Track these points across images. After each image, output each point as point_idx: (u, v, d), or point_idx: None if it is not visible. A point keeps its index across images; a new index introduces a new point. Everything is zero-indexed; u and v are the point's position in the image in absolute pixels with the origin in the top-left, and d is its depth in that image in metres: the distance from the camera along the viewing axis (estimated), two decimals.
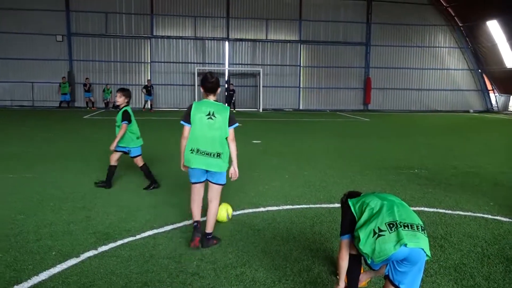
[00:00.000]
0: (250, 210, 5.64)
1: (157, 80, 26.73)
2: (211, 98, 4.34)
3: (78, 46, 26.44)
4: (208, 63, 27.70)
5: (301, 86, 28.81)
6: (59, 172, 7.71)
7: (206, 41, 27.57)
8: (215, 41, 27.67)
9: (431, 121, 21.52)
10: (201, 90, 4.36)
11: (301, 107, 28.88)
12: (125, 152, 6.51)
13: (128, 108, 6.43)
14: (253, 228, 4.96)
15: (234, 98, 25.25)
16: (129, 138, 6.41)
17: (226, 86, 25.83)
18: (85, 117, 19.61)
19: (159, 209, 5.62)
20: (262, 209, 5.71)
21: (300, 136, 14.21)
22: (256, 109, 27.23)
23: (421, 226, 2.92)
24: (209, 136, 4.20)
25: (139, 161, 6.63)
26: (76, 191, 6.41)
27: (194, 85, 26.72)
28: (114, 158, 6.57)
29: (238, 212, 5.51)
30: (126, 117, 6.32)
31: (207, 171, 4.32)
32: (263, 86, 27.43)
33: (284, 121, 19.92)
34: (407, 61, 29.68)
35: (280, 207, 5.80)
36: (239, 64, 28.00)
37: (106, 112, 23.45)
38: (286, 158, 9.65)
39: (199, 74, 26.54)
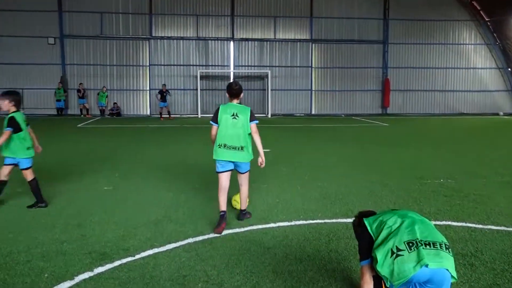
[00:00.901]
0: (259, 226, 5.60)
1: (156, 84, 26.89)
2: (235, 101, 5.58)
3: (71, 49, 26.80)
4: (212, 65, 27.85)
5: (313, 88, 28.85)
6: (51, 187, 7.75)
7: (209, 41, 27.75)
8: (219, 41, 27.84)
9: (456, 125, 21.37)
10: (227, 95, 5.63)
11: (313, 112, 28.90)
12: (15, 165, 6.32)
13: (16, 115, 6.21)
14: (263, 246, 4.93)
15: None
16: (18, 148, 6.23)
17: None
18: (79, 125, 19.75)
19: (160, 225, 5.61)
20: (272, 224, 5.68)
21: (313, 143, 14.18)
22: (264, 115, 27.28)
23: (445, 244, 2.87)
24: (234, 133, 5.40)
25: (29, 174, 6.37)
26: (70, 207, 6.43)
27: (197, 89, 26.84)
28: (4, 173, 6.33)
29: (246, 229, 5.48)
30: (12, 124, 6.12)
31: (233, 163, 5.49)
32: (271, 90, 27.51)
33: (295, 127, 19.90)
34: (429, 60, 29.59)
35: (292, 223, 5.76)
36: (245, 65, 28.13)
37: (101, 119, 23.62)
38: (298, 167, 9.61)
39: (201, 77, 26.70)
